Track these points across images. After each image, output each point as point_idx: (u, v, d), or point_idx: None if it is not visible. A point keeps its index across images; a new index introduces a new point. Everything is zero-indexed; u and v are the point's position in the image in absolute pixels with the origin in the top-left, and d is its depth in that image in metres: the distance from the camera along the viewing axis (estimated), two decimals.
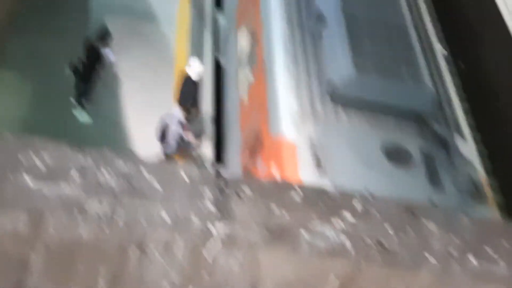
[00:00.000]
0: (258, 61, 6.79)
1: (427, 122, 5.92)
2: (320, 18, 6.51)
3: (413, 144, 5.61)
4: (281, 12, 6.79)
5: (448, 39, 10.30)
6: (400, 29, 6.61)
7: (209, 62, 8.48)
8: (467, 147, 6.24)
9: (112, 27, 7.71)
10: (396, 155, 5.43)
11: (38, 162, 0.67)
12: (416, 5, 7.89)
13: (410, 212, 0.62)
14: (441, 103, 6.35)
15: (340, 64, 6.00)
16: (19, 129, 6.92)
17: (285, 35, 6.54)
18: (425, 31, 7.59)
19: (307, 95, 5.93)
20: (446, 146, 5.86)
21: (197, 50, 8.51)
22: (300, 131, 5.55)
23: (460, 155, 5.92)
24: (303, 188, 0.66)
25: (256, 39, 7.01)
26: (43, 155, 0.66)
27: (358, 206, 0.65)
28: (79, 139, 6.86)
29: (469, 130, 6.60)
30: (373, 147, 5.37)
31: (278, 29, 6.65)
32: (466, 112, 7.11)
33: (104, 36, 7.44)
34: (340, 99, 5.83)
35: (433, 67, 6.75)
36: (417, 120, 5.90)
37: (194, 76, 7.41)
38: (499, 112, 12.17)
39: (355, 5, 6.58)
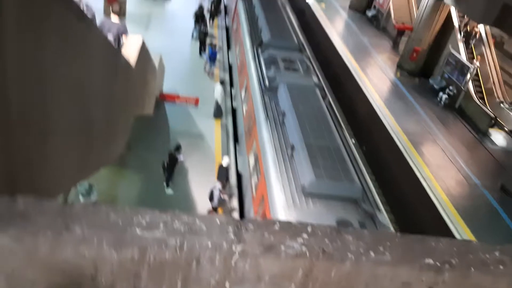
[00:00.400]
0: (260, 172, 10.83)
1: (359, 203, 9.11)
2: (292, 147, 10.41)
3: (353, 218, 8.61)
4: (270, 145, 10.97)
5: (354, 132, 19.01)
6: (336, 149, 10.50)
7: (232, 161, 14.21)
8: (383, 216, 9.56)
9: (181, 141, 13.30)
10: (343, 226, 7.83)
11: (142, 220, 1.27)
12: (340, 125, 13.02)
13: (337, 231, 1.15)
14: (364, 189, 9.73)
15: (306, 174, 9.50)
16: (134, 203, 11.73)
17: (274, 158, 10.43)
18: (345, 138, 12.20)
19: (289, 192, 9.28)
20: (372, 217, 8.94)
21: (225, 153, 14.35)
22: (287, 214, 8.70)
23: (380, 222, 8.88)
24: (280, 222, 1.23)
25: (258, 159, 11.35)
26: (145, 216, 1.27)
27: (310, 229, 1.20)
28: (166, 204, 11.91)
29: (381, 204, 10.36)
30: (329, 221, 8.23)
31: (270, 155, 10.64)
32: (377, 191, 11.62)
33: (177, 147, 12.55)
34: (308, 194, 9.18)
35: (355, 164, 10.69)
36: (354, 203, 9.12)
37: (224, 165, 12.40)
38: (394, 178, 17.43)
39: (311, 138, 10.54)
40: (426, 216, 15.00)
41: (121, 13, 9.67)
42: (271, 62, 14.64)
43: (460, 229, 13.85)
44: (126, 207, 1.21)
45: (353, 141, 19.08)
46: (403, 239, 1.28)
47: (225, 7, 27.48)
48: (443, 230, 13.92)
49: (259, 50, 15.93)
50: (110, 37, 8.31)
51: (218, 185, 11.88)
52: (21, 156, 2.47)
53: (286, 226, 1.16)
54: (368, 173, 17.45)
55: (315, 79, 14.53)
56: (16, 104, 2.22)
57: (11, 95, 2.12)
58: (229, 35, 23.81)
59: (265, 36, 16.70)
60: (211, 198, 11.83)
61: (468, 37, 22.41)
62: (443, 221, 14.19)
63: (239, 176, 13.91)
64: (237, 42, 19.89)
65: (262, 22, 18.20)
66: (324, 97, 13.61)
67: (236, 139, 15.85)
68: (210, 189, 11.88)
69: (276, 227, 1.16)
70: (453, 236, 13.67)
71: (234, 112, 17.52)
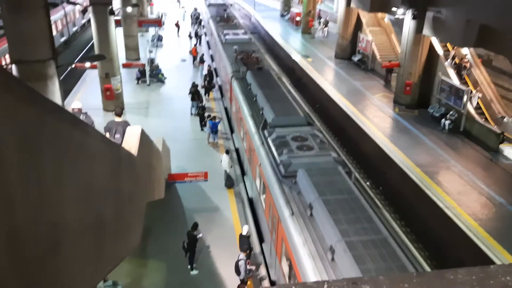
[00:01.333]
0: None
1: None
2: (331, 250, 8.96)
3: None
4: (305, 251, 9.40)
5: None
6: (384, 241, 8.94)
7: (252, 227, 14.27)
8: None
9: (197, 218, 13.80)
10: None
11: None
12: (376, 205, 12.08)
13: (354, 282, 1.20)
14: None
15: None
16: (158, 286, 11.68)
17: (313, 268, 8.92)
18: (387, 219, 11.32)
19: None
20: None
21: (243, 221, 14.53)
22: None
23: None
24: (296, 284, 1.26)
25: (294, 268, 9.78)
26: None
27: (326, 286, 1.24)
28: (193, 287, 12.10)
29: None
30: None
31: (307, 265, 9.07)
32: (403, 230, 13.01)
33: (195, 226, 12.72)
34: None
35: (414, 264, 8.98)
36: None
37: (244, 233, 12.56)
38: (417, 213, 16.95)
39: (351, 233, 9.08)
40: (459, 245, 14.49)
41: (122, 114, 10.81)
42: (281, 144, 13.25)
43: (497, 253, 13.31)
44: None
45: (368, 184, 18.94)
46: (420, 277, 1.27)
47: (215, 70, 28.84)
48: (480, 257, 13.38)
49: (266, 133, 14.47)
50: (118, 135, 9.44)
51: (242, 256, 11.61)
52: (35, 268, 2.50)
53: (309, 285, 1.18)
54: (389, 211, 17.20)
55: (333, 154, 12.85)
56: (23, 222, 2.29)
57: (17, 216, 2.21)
58: (229, 116, 23.09)
59: (269, 115, 15.34)
60: (237, 271, 11.57)
61: (460, 69, 22.83)
62: (477, 248, 13.67)
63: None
64: (240, 125, 18.65)
65: (262, 100, 16.97)
66: (350, 173, 11.98)
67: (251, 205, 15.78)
68: (236, 262, 11.63)
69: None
70: (492, 262, 13.11)
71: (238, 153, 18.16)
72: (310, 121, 15.73)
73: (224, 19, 34.62)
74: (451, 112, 21.37)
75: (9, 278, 2.18)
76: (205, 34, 41.26)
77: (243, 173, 17.80)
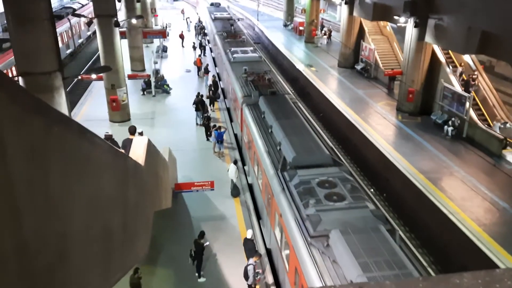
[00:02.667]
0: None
1: None
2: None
3: None
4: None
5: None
6: (407, 275, 8.26)
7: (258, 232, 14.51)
8: None
9: (204, 227, 14.28)
10: None
11: None
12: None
13: (359, 286, 1.28)
14: None
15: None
16: None
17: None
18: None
19: None
20: None
21: (249, 227, 14.70)
22: None
23: None
24: None
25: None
26: None
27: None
28: None
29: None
30: None
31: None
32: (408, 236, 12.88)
33: (202, 234, 13.03)
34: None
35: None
36: None
37: (249, 237, 12.93)
38: (420, 218, 17.09)
39: (373, 269, 8.32)
40: (463, 251, 14.55)
41: (136, 132, 11.63)
42: (305, 191, 11.20)
43: (502, 257, 13.37)
44: None
45: (372, 191, 19.04)
46: (426, 282, 1.25)
47: (222, 90, 28.70)
48: (485, 262, 13.44)
49: (286, 175, 12.34)
50: None
51: (252, 261, 11.69)
52: (43, 279, 2.52)
53: None
54: (393, 218, 17.27)
55: (370, 205, 10.65)
56: (31, 232, 2.31)
57: (25, 227, 2.22)
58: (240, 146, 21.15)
59: (288, 153, 13.19)
60: (246, 276, 11.70)
61: (468, 86, 22.61)
62: (482, 253, 13.73)
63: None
64: (254, 160, 16.44)
65: (279, 133, 14.69)
66: (393, 232, 9.86)
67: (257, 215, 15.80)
68: (245, 267, 11.76)
69: None
70: (497, 267, 13.15)
71: (251, 189, 17.43)
72: (336, 159, 13.34)
73: (231, 34, 32.11)
74: (453, 118, 21.48)
75: None
76: (208, 42, 41.30)
77: (258, 216, 15.73)
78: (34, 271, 2.36)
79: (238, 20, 44.87)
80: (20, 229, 2.15)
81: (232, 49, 26.64)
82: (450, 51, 23.83)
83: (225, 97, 27.54)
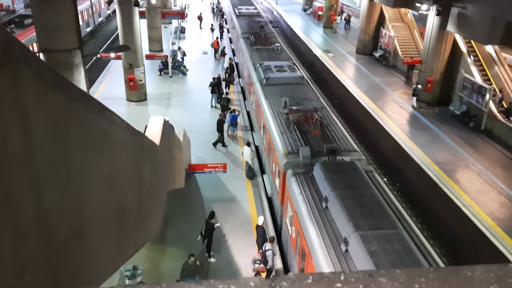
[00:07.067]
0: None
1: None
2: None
3: None
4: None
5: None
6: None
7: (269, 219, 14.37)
8: None
9: (215, 208, 14.26)
10: None
11: None
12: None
13: (370, 274, 1.25)
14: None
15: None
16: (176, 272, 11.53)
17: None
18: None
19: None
20: None
21: (260, 212, 14.69)
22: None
23: None
24: (313, 274, 1.17)
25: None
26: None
27: (342, 277, 1.20)
28: (210, 273, 12.32)
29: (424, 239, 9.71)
30: None
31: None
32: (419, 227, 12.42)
33: (212, 215, 13.15)
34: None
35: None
36: None
37: (260, 223, 12.84)
38: (434, 210, 16.40)
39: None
40: (475, 244, 14.46)
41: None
42: None
43: None
44: (163, 284, 1.20)
45: (385, 180, 18.93)
46: (438, 273, 1.22)
47: (237, 71, 28.50)
48: (497, 256, 13.35)
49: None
50: None
51: (269, 246, 11.68)
52: (61, 251, 2.58)
53: (319, 278, 1.26)
54: (405, 208, 17.14)
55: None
56: (51, 206, 2.36)
57: (46, 200, 2.27)
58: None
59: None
60: (265, 261, 11.61)
61: (508, 114, 20.81)
62: (494, 247, 13.63)
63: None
64: (300, 259, 11.08)
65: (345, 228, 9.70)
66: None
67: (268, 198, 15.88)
68: (261, 253, 11.79)
69: (310, 280, 1.27)
70: (510, 262, 13.05)
71: (263, 171, 17.59)
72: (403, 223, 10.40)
73: (260, 40, 25.48)
74: (471, 110, 21.11)
75: (39, 261, 2.23)
76: (226, 23, 40.00)
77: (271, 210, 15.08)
78: (54, 244, 2.41)
79: (270, 23, 33.94)
80: (41, 201, 2.19)
81: (265, 63, 20.29)
82: (472, 42, 23.28)
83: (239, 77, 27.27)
